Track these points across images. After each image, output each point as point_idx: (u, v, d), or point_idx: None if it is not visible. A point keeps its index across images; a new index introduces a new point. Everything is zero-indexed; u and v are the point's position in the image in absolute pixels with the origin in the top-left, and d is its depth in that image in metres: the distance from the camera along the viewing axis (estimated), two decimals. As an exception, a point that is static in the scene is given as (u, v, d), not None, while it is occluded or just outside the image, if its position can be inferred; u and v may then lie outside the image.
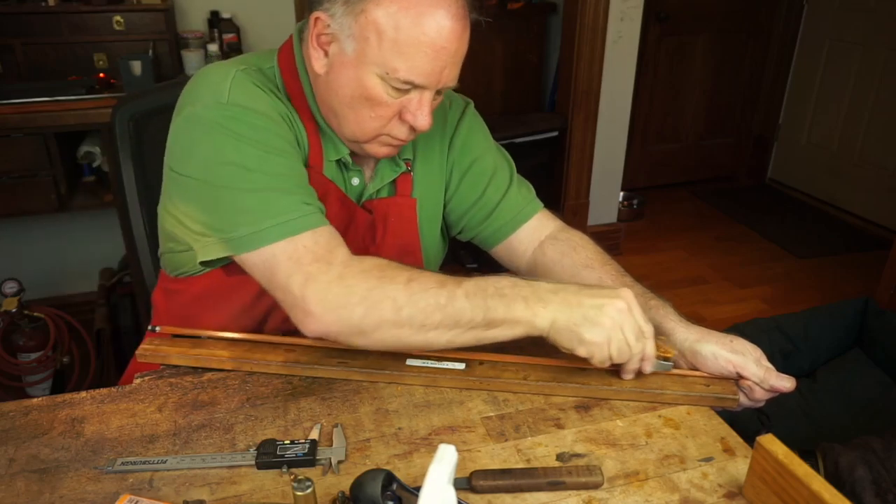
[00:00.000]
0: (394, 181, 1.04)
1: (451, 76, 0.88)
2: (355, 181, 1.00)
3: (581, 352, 0.82)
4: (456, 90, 1.09)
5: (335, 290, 0.80)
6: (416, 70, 0.84)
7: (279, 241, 0.82)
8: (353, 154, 0.98)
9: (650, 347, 0.85)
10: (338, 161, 0.98)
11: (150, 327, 0.97)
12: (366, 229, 1.02)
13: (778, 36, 3.94)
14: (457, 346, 0.84)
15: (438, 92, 0.90)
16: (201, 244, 0.87)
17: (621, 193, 3.38)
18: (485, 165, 1.09)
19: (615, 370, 0.92)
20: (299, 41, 0.95)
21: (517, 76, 3.54)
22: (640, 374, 0.89)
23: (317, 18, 0.87)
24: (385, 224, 1.03)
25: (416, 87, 0.86)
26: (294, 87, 0.95)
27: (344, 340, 0.82)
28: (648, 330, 0.84)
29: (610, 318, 0.80)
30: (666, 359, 0.89)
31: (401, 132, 0.91)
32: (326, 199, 0.94)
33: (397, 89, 0.86)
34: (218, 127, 0.85)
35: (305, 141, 0.95)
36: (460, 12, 0.84)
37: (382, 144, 0.93)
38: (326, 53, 0.88)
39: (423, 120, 0.89)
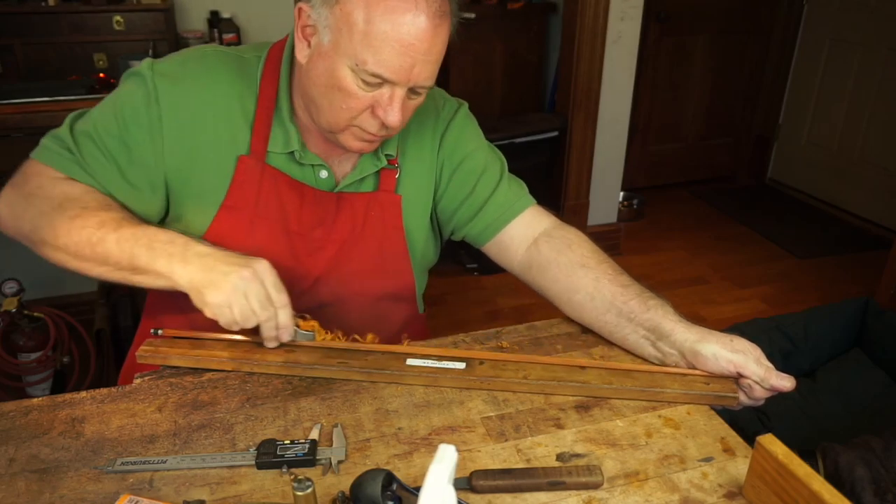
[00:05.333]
0: (376, 175, 1.04)
1: (423, 74, 0.87)
2: (323, 174, 1.02)
3: (207, 312, 0.85)
4: (457, 90, 1.09)
5: (20, 202, 0.94)
6: (383, 64, 0.84)
7: (37, 160, 0.96)
8: (330, 148, 1.00)
9: (283, 317, 0.88)
10: (291, 153, 0.99)
11: (152, 330, 0.97)
12: (335, 220, 1.02)
13: (778, 36, 3.94)
14: (116, 281, 0.91)
15: (415, 91, 0.90)
16: None
17: (621, 193, 3.38)
18: (475, 163, 1.09)
19: (613, 369, 0.93)
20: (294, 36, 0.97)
21: (517, 76, 3.53)
22: (283, 343, 0.92)
23: (300, 9, 0.89)
24: (365, 218, 1.04)
25: (386, 81, 0.87)
26: (270, 79, 0.98)
27: (25, 244, 0.95)
28: (279, 299, 0.87)
29: (232, 284, 0.84)
30: (309, 331, 0.93)
31: (371, 126, 0.92)
32: (267, 186, 0.97)
33: (368, 83, 0.87)
34: (123, 82, 0.99)
35: (245, 127, 0.97)
36: (434, 11, 0.83)
37: (356, 138, 0.94)
38: (309, 44, 0.90)
39: (393, 116, 0.89)
